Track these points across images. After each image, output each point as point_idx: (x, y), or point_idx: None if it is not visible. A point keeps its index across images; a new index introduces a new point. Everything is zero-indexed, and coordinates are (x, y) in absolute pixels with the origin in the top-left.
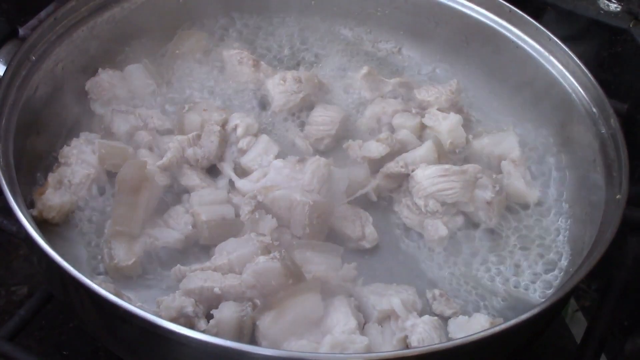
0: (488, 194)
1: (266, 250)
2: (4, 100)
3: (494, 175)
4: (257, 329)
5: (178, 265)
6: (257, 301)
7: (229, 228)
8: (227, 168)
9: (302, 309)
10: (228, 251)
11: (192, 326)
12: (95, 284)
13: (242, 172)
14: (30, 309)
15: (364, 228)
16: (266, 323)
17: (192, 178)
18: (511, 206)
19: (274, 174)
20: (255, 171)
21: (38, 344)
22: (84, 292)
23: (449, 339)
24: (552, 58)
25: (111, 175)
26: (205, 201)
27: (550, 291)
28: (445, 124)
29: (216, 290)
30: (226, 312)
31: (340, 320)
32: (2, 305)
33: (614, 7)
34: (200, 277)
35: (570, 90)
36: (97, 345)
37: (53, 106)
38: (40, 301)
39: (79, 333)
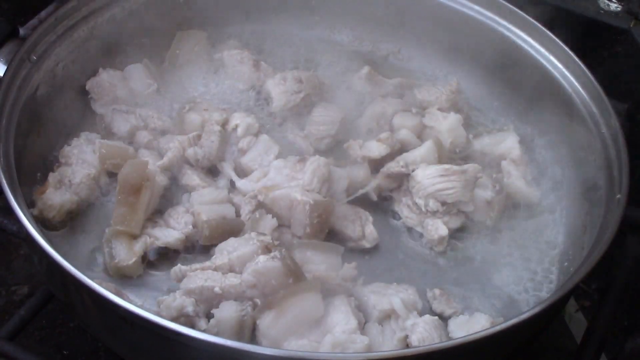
0: (488, 194)
1: (266, 249)
2: (4, 100)
3: (494, 175)
4: (258, 328)
5: (178, 265)
6: (258, 300)
7: (229, 228)
8: (227, 168)
9: (302, 309)
10: (228, 251)
11: (192, 326)
12: (96, 283)
13: (243, 172)
14: (30, 309)
15: (364, 228)
16: (266, 322)
17: (192, 178)
18: (511, 206)
19: (274, 173)
20: (256, 171)
21: (38, 344)
22: (84, 292)
23: (449, 339)
24: (552, 58)
25: (111, 175)
26: (205, 201)
27: (550, 291)
28: (446, 124)
29: (216, 289)
30: (226, 312)
31: (341, 320)
32: (2, 305)
33: (614, 7)
34: (200, 276)
35: (570, 90)
36: (97, 345)
37: (53, 106)
38: (40, 301)
39: (79, 333)
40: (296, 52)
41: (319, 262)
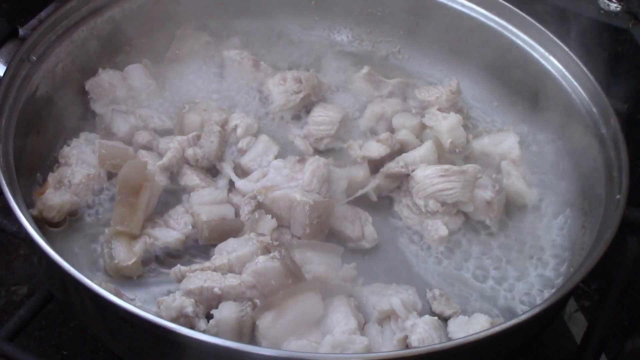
0: (488, 194)
1: (266, 250)
2: (4, 100)
3: (494, 175)
4: (257, 328)
5: (178, 265)
6: (257, 301)
7: (229, 228)
8: (227, 168)
9: (302, 309)
10: (228, 251)
11: (192, 326)
12: (96, 284)
13: (242, 172)
14: (30, 309)
15: (363, 228)
16: (266, 323)
17: (192, 178)
18: (511, 206)
19: (274, 174)
20: (255, 171)
21: (38, 344)
22: (84, 292)
23: (449, 339)
24: (552, 58)
25: (111, 175)
26: (205, 201)
27: (550, 291)
28: (445, 124)
29: (216, 290)
30: (226, 312)
31: (341, 321)
32: (2, 305)
33: (614, 7)
34: (200, 277)
35: (570, 90)
36: (97, 345)
37: (53, 106)
38: (40, 301)
39: (79, 333)
40: (296, 52)
41: (318, 262)
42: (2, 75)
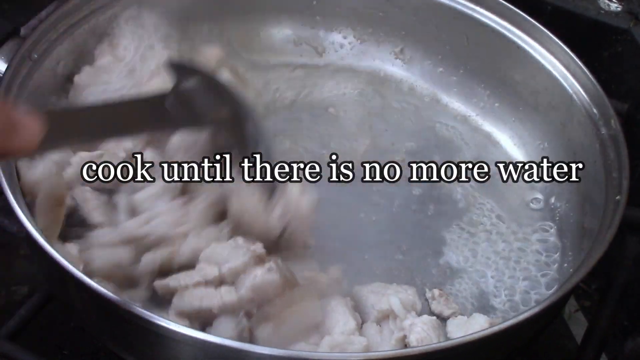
0: None
1: (259, 259)
2: (5, 98)
3: None
4: (257, 339)
5: (166, 279)
6: (253, 310)
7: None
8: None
9: (302, 317)
10: (217, 261)
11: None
12: (96, 283)
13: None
14: (30, 309)
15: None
16: (266, 335)
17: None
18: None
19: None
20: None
21: (38, 343)
22: (84, 292)
23: (448, 339)
24: (552, 58)
25: None
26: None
27: (549, 291)
28: None
29: (215, 310)
30: (223, 331)
31: (339, 321)
32: (2, 305)
33: (614, 7)
34: (195, 294)
35: (570, 91)
36: (97, 345)
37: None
38: (40, 301)
39: (79, 333)
40: (296, 52)
41: (299, 270)
42: (3, 73)
